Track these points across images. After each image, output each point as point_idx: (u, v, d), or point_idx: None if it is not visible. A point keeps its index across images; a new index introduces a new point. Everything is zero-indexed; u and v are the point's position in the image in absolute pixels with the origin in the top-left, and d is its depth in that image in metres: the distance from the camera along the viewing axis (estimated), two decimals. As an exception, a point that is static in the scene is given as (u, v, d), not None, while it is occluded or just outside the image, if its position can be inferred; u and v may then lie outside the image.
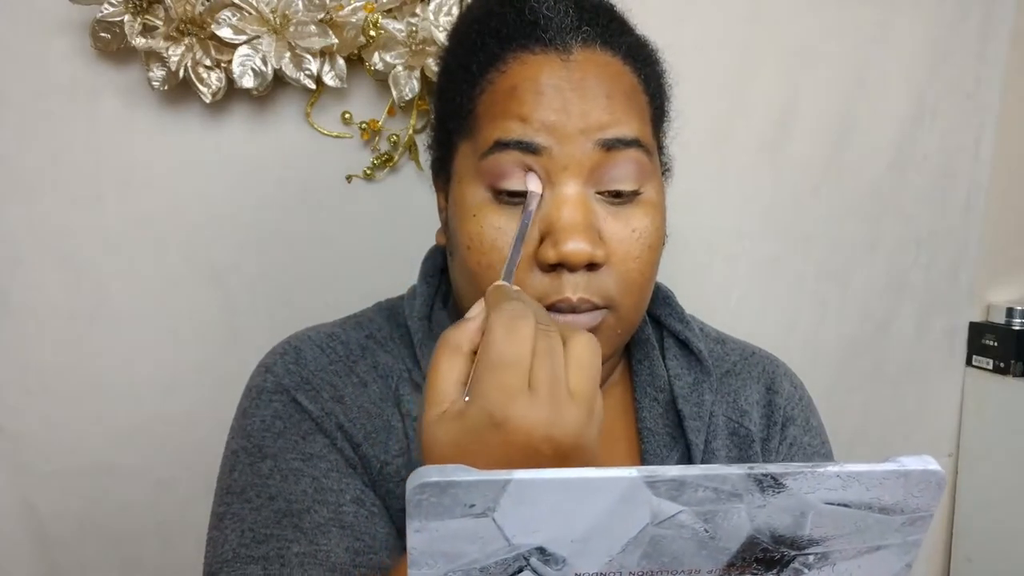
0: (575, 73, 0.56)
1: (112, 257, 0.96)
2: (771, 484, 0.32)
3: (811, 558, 0.35)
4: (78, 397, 0.97)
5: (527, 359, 0.41)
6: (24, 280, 0.95)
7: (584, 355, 0.43)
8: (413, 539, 0.33)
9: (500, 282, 0.49)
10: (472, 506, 0.32)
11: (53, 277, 0.95)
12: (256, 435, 0.60)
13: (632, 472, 0.32)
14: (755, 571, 0.35)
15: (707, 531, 0.33)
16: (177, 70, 0.89)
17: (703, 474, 0.32)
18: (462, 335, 0.44)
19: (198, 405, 0.98)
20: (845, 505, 0.33)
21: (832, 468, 0.32)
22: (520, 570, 0.34)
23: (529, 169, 0.56)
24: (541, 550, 0.34)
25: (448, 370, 0.43)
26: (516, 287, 0.49)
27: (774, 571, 0.35)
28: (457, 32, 0.65)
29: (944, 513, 1.32)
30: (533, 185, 0.55)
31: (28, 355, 0.96)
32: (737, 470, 0.32)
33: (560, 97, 0.55)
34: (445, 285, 0.69)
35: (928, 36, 1.17)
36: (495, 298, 0.45)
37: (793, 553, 0.35)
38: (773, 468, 0.32)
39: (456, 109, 0.60)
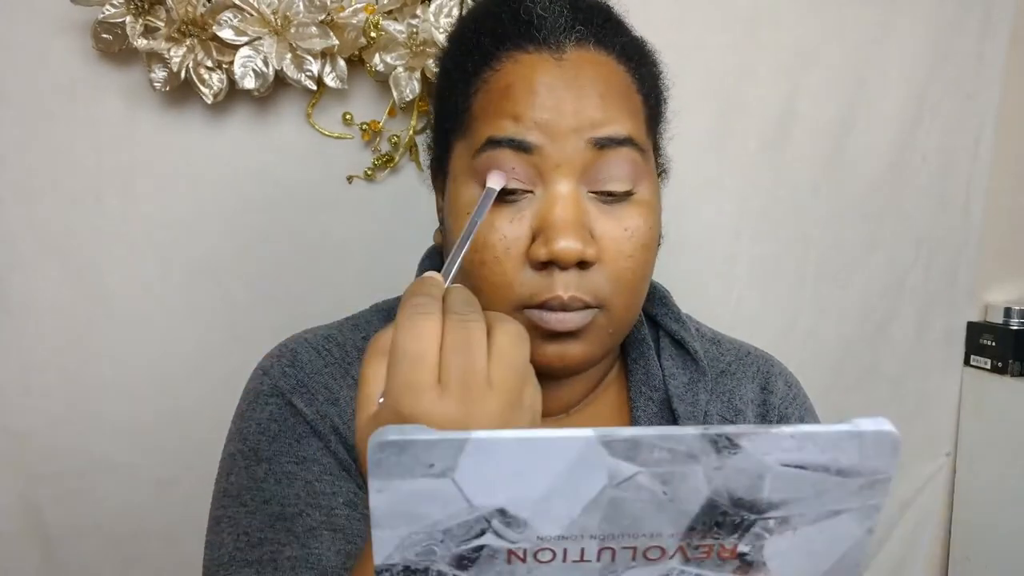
0: (568, 72, 0.56)
1: (112, 257, 0.96)
2: (726, 445, 0.32)
3: (771, 522, 0.35)
4: (78, 397, 0.97)
5: (432, 353, 0.40)
6: (24, 280, 0.95)
7: (506, 344, 0.42)
8: (375, 499, 0.33)
9: (428, 274, 0.48)
10: (432, 466, 0.32)
11: (53, 277, 0.95)
12: (252, 438, 0.61)
13: (588, 432, 0.32)
14: (716, 535, 0.35)
15: (666, 493, 0.34)
16: (179, 71, 0.89)
17: (658, 435, 0.32)
18: (387, 338, 0.43)
19: (198, 405, 0.98)
20: (802, 467, 0.33)
21: (786, 429, 0.33)
22: (482, 532, 0.34)
23: (512, 168, 0.56)
24: (502, 512, 0.34)
25: (374, 374, 0.42)
26: (442, 281, 0.48)
27: (735, 536, 0.35)
28: (455, 33, 0.66)
29: (942, 512, 1.32)
30: (493, 181, 0.55)
31: (28, 355, 0.96)
32: (692, 431, 0.32)
33: (553, 96, 0.56)
34: None
35: (928, 36, 1.17)
36: (406, 294, 0.45)
37: (753, 517, 0.35)
38: (728, 429, 0.32)
39: (452, 109, 0.61)
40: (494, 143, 0.56)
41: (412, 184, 1.02)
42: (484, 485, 0.33)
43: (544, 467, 0.33)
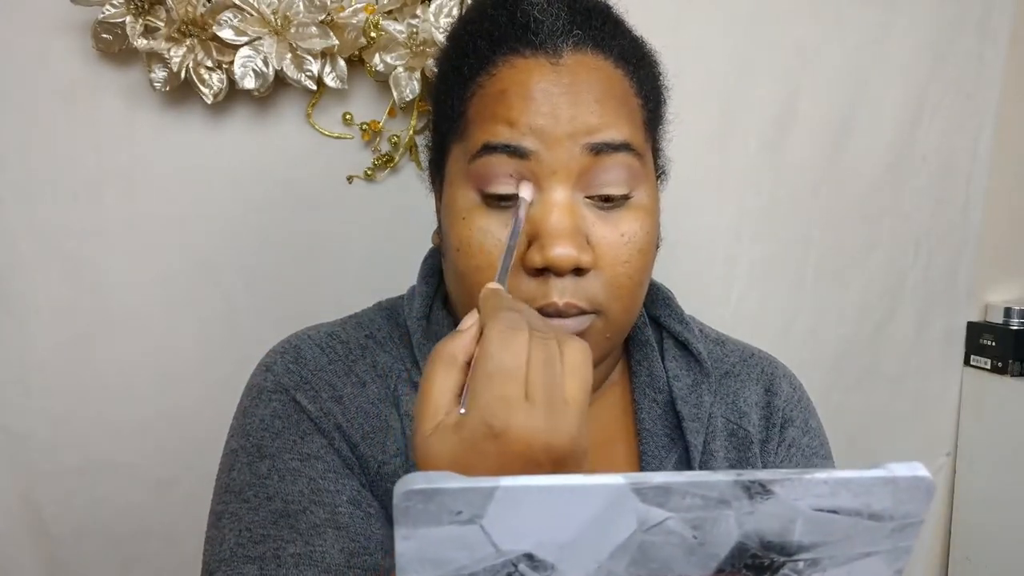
0: (564, 77, 0.56)
1: (112, 257, 0.96)
2: (759, 491, 0.32)
3: (801, 564, 0.35)
4: (78, 396, 0.97)
5: (523, 368, 0.41)
6: (24, 280, 0.95)
7: (578, 362, 0.43)
8: (401, 546, 0.33)
9: (493, 285, 0.49)
10: (459, 513, 0.32)
11: (53, 277, 0.95)
12: (255, 434, 0.60)
13: (619, 479, 0.32)
14: None
15: (695, 537, 0.33)
16: (179, 71, 0.89)
17: (690, 481, 0.32)
18: (456, 347, 0.43)
19: (198, 404, 0.98)
20: (834, 512, 0.33)
21: (820, 475, 0.32)
22: None
23: (522, 177, 0.56)
24: (529, 556, 0.33)
25: (443, 382, 0.42)
26: (509, 295, 0.49)
27: None
28: (452, 35, 0.66)
29: (942, 512, 1.32)
30: (525, 192, 0.56)
31: (28, 355, 0.96)
32: (724, 477, 0.32)
33: (548, 101, 0.55)
34: (444, 285, 0.69)
35: (928, 36, 1.17)
36: (490, 307, 0.45)
37: (782, 559, 0.34)
38: (761, 475, 0.32)
39: (448, 112, 0.60)
40: (489, 148, 0.56)
41: (412, 184, 1.02)
42: (512, 530, 0.33)
43: (573, 513, 0.33)
